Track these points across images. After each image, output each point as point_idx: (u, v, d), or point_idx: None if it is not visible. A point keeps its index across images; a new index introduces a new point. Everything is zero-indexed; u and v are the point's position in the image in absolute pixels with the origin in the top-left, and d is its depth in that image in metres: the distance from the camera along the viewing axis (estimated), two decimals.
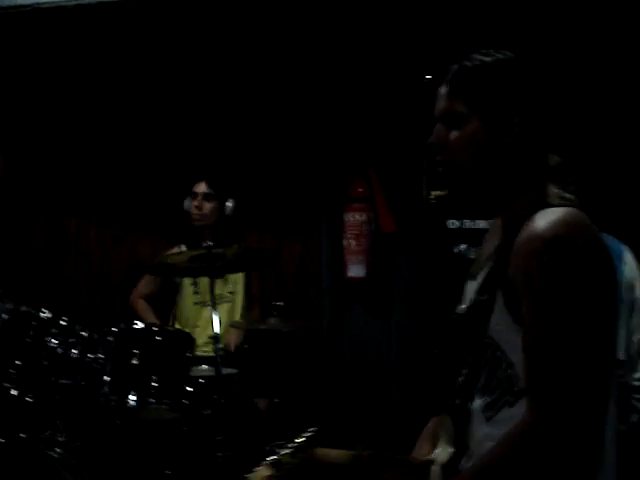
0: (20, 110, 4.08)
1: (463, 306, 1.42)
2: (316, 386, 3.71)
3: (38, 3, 3.47)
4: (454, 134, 1.34)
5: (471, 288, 1.40)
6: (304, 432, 1.38)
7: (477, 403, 1.32)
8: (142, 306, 3.60)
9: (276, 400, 3.30)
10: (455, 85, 1.36)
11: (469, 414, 1.33)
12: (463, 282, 1.47)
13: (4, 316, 2.70)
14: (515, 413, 1.22)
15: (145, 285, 3.64)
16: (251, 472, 1.31)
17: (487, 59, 1.35)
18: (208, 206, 3.51)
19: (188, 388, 2.76)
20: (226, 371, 2.98)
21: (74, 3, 3.37)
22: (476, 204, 1.46)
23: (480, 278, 1.37)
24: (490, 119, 1.32)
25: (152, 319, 3.49)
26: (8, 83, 3.97)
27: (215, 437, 2.78)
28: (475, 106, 1.32)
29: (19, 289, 3.21)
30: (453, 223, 3.51)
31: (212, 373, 2.88)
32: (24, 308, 2.70)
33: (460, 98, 1.34)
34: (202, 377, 2.93)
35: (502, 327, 1.27)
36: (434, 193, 3.11)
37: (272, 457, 1.30)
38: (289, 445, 1.33)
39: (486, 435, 1.28)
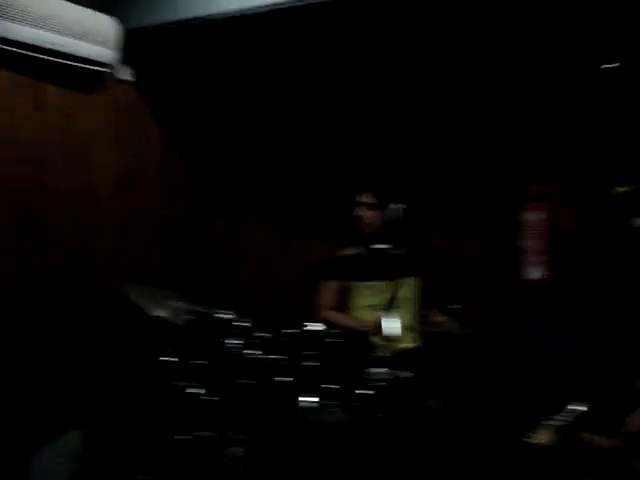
0: (200, 117, 4.26)
1: None
2: (494, 388, 3.58)
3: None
4: None
5: None
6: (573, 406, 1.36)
7: None
8: (337, 315, 3.62)
9: (450, 404, 3.23)
10: None
11: None
12: None
13: (187, 317, 2.83)
14: None
15: (329, 294, 3.67)
16: (531, 435, 1.30)
17: None
18: (374, 214, 3.51)
19: (363, 391, 2.75)
20: (401, 374, 2.94)
21: (249, 12, 3.47)
22: None
23: None
24: None
25: (355, 323, 3.50)
26: (191, 90, 4.16)
27: (391, 441, 2.75)
28: None
29: (200, 291, 3.36)
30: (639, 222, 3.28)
31: (387, 376, 2.85)
32: (205, 310, 2.81)
33: None
34: (377, 380, 2.90)
35: None
36: (618, 189, 2.93)
37: (549, 423, 1.28)
38: (561, 416, 1.31)
39: None
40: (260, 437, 2.82)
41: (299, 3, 3.24)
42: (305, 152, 4.14)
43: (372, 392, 2.78)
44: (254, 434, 2.80)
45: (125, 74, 3.74)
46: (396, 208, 3.47)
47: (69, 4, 3.21)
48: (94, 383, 3.56)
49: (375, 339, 3.28)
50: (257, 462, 2.70)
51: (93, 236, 3.60)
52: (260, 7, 3.32)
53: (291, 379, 2.69)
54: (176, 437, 2.73)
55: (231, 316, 2.81)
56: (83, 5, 3.32)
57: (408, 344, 3.42)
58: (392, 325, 2.87)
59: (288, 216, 4.22)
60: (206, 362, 2.75)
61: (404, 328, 3.42)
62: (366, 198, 3.54)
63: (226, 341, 2.74)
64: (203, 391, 2.73)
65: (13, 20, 2.90)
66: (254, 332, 2.78)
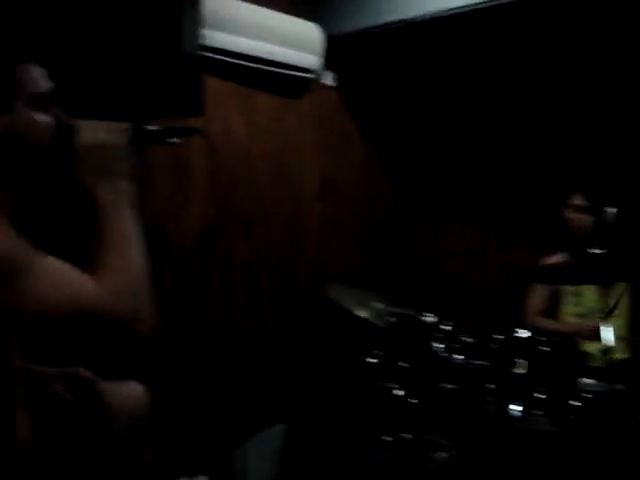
0: (401, 119, 4.26)
1: None
2: None
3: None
4: None
5: None
6: None
7: None
8: (547, 322, 3.50)
9: None
10: None
11: None
12: None
13: (391, 319, 2.84)
14: None
15: (538, 300, 3.55)
16: None
17: None
18: (585, 218, 3.36)
19: (574, 402, 2.62)
20: (614, 386, 2.76)
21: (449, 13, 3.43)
22: None
23: None
24: None
25: (571, 328, 3.38)
26: (392, 93, 4.17)
27: (603, 456, 2.59)
28: None
29: (403, 293, 3.35)
30: None
31: (600, 388, 2.69)
32: (410, 312, 2.80)
33: None
34: (589, 391, 2.76)
35: None
36: None
37: None
38: None
39: None
40: (464, 443, 2.77)
41: (499, 2, 3.17)
42: (510, 152, 4.02)
43: (583, 404, 2.65)
44: (458, 439, 2.75)
45: (328, 79, 3.82)
46: (611, 212, 3.29)
47: (278, 14, 3.34)
48: (299, 380, 3.66)
49: (588, 348, 3.12)
50: (460, 468, 2.65)
51: (298, 238, 3.71)
52: (461, 7, 3.27)
53: (498, 385, 2.62)
54: (380, 438, 2.74)
55: (435, 319, 2.78)
56: (290, 14, 3.44)
57: (620, 355, 3.22)
58: (608, 334, 2.70)
59: (490, 217, 4.12)
60: (410, 364, 2.74)
61: (617, 338, 3.23)
62: (578, 200, 3.39)
63: (430, 344, 2.72)
64: (407, 393, 2.72)
65: (227, 32, 3.04)
66: (458, 336, 2.73)
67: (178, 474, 2.98)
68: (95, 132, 1.42)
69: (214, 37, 2.95)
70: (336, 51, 3.69)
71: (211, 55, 2.96)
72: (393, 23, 3.49)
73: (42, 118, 1.38)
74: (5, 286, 1.20)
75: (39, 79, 1.38)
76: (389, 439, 2.75)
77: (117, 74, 2.17)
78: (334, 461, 3.39)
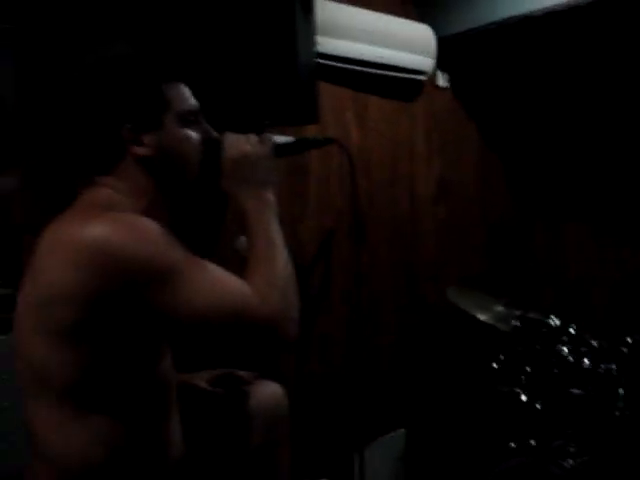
0: (516, 119, 4.17)
1: None
2: None
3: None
4: None
5: None
6: None
7: None
8: None
9: None
10: None
11: None
12: None
13: (514, 322, 2.77)
14: None
15: None
16: None
17: None
18: None
19: None
20: None
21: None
22: None
23: None
24: None
25: None
26: (506, 92, 4.09)
27: None
28: None
29: (523, 295, 3.26)
30: None
31: None
32: (533, 315, 2.73)
33: None
34: None
35: None
36: None
37: None
38: None
39: None
40: (593, 450, 2.66)
41: None
42: (633, 150, 3.85)
43: None
44: (586, 446, 2.66)
45: (441, 80, 3.79)
46: None
47: (389, 17, 3.33)
48: (420, 385, 3.64)
49: None
50: (588, 475, 2.56)
51: (414, 242, 3.69)
52: (581, 0, 3.16)
53: (628, 390, 2.51)
54: (504, 445, 2.68)
55: (559, 322, 2.69)
56: (401, 16, 3.42)
57: None
58: None
59: (606, 217, 3.96)
60: (535, 369, 2.66)
61: None
62: None
63: (555, 348, 2.64)
64: (532, 399, 2.64)
65: (340, 37, 3.06)
66: (585, 339, 2.64)
67: (299, 477, 3.02)
68: (240, 145, 1.49)
69: (327, 43, 2.98)
70: (449, 52, 3.65)
71: (325, 62, 2.99)
72: (507, 20, 3.42)
73: (191, 134, 1.45)
74: (158, 287, 1.26)
75: (186, 97, 1.46)
76: (514, 445, 2.68)
77: (237, 85, 2.22)
78: (456, 467, 3.34)
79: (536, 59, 3.92)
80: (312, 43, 2.41)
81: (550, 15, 3.29)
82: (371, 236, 3.44)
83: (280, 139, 1.59)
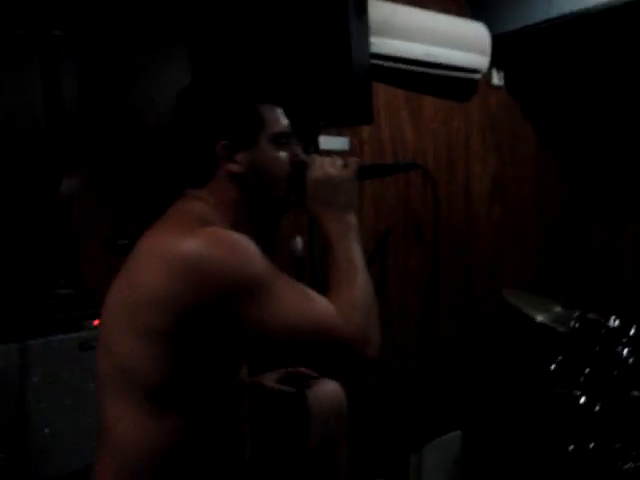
0: (573, 117, 4.10)
1: None
2: None
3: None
4: None
5: None
6: None
7: None
8: None
9: None
10: None
11: None
12: None
13: (572, 323, 2.73)
14: None
15: None
16: None
17: None
18: None
19: None
20: None
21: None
22: None
23: None
24: None
25: None
26: (563, 90, 4.03)
27: None
28: None
29: (580, 296, 3.22)
30: None
31: None
32: (592, 315, 2.68)
33: None
34: None
35: None
36: None
37: None
38: None
39: None
40: None
41: None
42: None
43: None
44: None
45: (496, 79, 3.75)
46: None
47: (443, 16, 3.32)
48: (477, 387, 3.61)
49: None
50: None
51: (470, 241, 3.67)
52: None
53: None
54: (563, 448, 2.64)
55: (617, 322, 2.64)
56: (454, 15, 3.41)
57: None
58: None
59: None
60: (594, 370, 2.62)
61: None
62: None
63: (615, 349, 2.59)
64: (591, 401, 2.60)
65: (394, 37, 3.06)
66: None
67: (356, 476, 3.03)
68: (325, 167, 1.54)
69: (381, 44, 2.98)
70: (503, 50, 3.61)
71: (379, 62, 2.99)
72: (564, 16, 3.37)
73: (281, 155, 1.51)
74: (248, 302, 1.32)
75: (280, 119, 1.52)
76: (573, 448, 2.65)
77: (293, 86, 2.24)
78: (512, 470, 3.31)
79: (593, 56, 3.85)
80: (366, 44, 2.42)
81: (608, 11, 3.23)
82: (427, 236, 3.43)
83: (364, 163, 1.63)
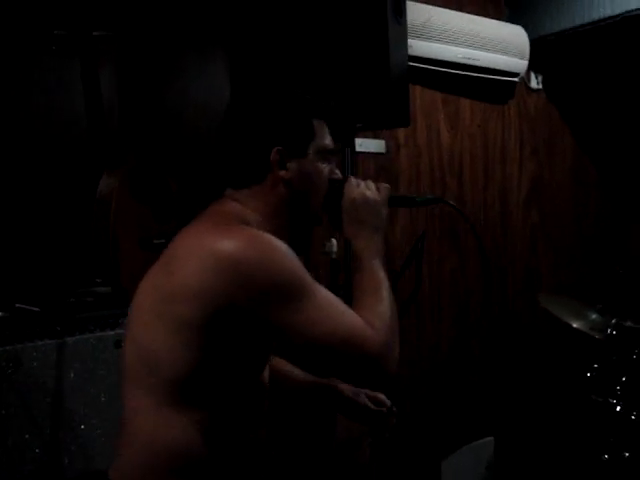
0: (612, 121, 4.06)
1: None
2: None
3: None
4: None
5: None
6: None
7: None
8: None
9: None
10: None
11: None
12: None
13: (609, 331, 2.69)
14: None
15: None
16: None
17: None
18: None
19: None
20: None
21: None
22: None
23: None
24: None
25: None
26: (602, 94, 3.99)
27: None
28: None
29: (620, 302, 3.17)
30: None
31: None
32: (629, 323, 2.65)
33: None
34: None
35: None
36: None
37: None
38: None
39: None
40: None
41: None
42: None
43: None
44: None
45: (534, 82, 3.72)
46: None
47: (482, 18, 3.30)
48: (510, 393, 3.58)
49: None
50: None
51: (507, 244, 3.64)
52: None
53: None
54: (598, 456, 2.61)
55: None
56: (493, 18, 3.39)
57: None
58: None
59: None
60: (631, 379, 2.59)
61: None
62: None
63: None
64: (628, 409, 2.57)
65: (432, 40, 3.05)
66: None
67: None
68: (362, 189, 1.59)
69: (420, 46, 2.98)
70: (542, 53, 3.59)
71: (417, 64, 2.98)
72: (603, 20, 3.33)
73: (324, 169, 1.56)
74: (283, 305, 1.35)
75: (327, 134, 1.58)
76: (608, 457, 2.61)
77: (331, 88, 2.25)
78: (545, 478, 3.28)
79: (633, 59, 3.80)
80: (404, 46, 2.41)
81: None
82: (462, 241, 3.41)
83: (393, 192, 1.68)
